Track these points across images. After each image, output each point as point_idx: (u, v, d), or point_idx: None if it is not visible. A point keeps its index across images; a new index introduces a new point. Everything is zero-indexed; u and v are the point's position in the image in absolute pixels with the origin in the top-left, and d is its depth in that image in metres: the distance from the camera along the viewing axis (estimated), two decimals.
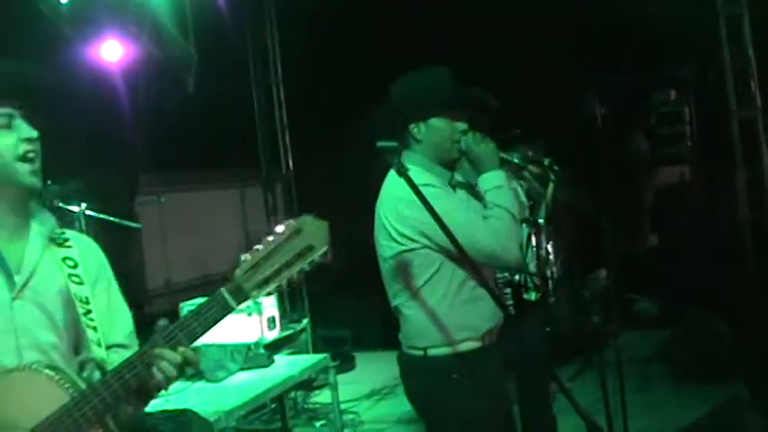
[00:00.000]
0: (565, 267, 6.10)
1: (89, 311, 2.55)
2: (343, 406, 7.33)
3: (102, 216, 6.25)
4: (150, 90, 8.39)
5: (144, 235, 8.80)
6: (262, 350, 6.43)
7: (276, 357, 6.41)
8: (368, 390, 8.14)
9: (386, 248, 3.36)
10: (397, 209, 3.21)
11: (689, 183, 9.83)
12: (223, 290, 2.37)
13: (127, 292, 2.79)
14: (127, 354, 2.48)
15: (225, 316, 2.39)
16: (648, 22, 8.56)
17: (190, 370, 2.66)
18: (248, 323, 6.94)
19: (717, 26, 7.82)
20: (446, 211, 3.04)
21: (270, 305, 7.11)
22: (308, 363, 6.07)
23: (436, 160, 3.43)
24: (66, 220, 6.09)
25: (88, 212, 6.15)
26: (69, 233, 2.70)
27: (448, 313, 3.28)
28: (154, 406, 5.36)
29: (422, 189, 3.03)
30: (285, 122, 10.40)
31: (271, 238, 2.35)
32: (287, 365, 6.01)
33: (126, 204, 8.49)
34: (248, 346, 6.41)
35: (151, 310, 8.83)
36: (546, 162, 6.61)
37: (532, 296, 4.96)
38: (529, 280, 4.95)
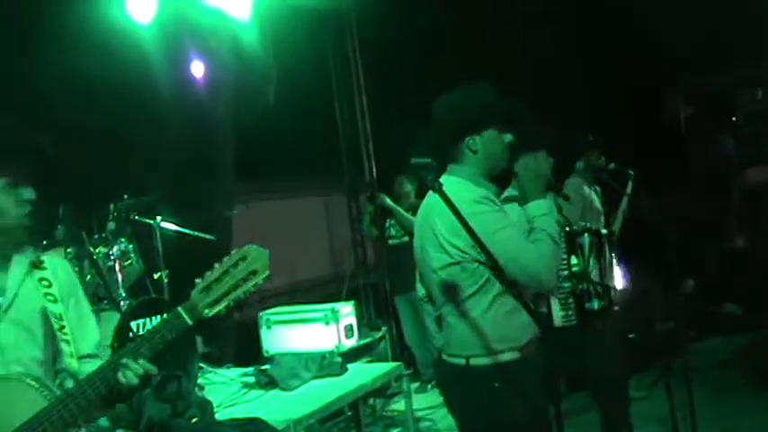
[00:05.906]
0: (640, 276, 6.01)
1: (63, 327, 2.87)
2: (420, 414, 7.36)
3: (176, 228, 6.39)
4: (231, 102, 8.52)
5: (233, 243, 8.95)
6: (337, 358, 6.49)
7: (351, 366, 6.47)
8: None
9: (435, 259, 3.41)
10: (452, 221, 3.20)
11: None
12: (180, 308, 2.67)
13: None
14: (96, 363, 2.82)
15: (181, 332, 2.67)
16: (732, 22, 8.41)
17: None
18: (325, 332, 7.00)
19: None
20: (499, 228, 3.20)
21: (347, 314, 7.15)
22: (380, 371, 6.13)
23: (487, 173, 3.51)
24: (142, 232, 6.28)
25: (164, 224, 6.30)
26: (45, 255, 3.00)
27: (491, 324, 3.34)
28: (223, 414, 5.51)
29: (478, 204, 3.23)
30: (368, 131, 10.47)
31: (219, 264, 2.64)
32: (359, 374, 6.07)
33: (214, 215, 8.60)
34: (323, 355, 6.48)
35: (241, 317, 8.92)
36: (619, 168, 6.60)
37: (595, 305, 4.92)
38: (591, 289, 4.90)
